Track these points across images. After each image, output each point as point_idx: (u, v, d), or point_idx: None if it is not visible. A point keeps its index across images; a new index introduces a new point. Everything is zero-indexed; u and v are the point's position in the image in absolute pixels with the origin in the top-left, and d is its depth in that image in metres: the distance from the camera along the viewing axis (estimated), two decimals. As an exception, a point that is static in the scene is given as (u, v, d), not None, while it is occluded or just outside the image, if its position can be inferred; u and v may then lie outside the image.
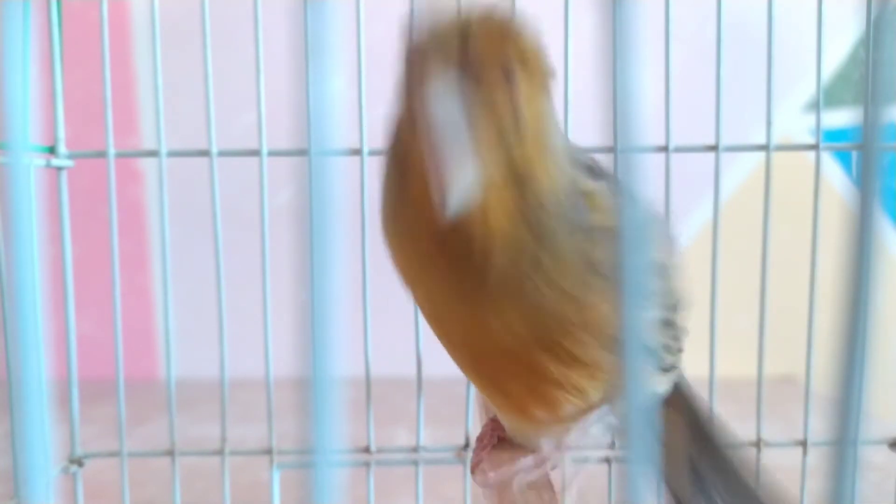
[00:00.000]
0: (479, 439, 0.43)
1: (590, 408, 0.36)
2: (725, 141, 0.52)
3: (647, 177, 0.15)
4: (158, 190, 0.52)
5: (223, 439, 0.53)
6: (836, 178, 1.12)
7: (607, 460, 0.53)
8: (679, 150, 0.52)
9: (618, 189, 0.15)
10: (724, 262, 0.53)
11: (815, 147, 0.53)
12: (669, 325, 0.38)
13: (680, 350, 0.40)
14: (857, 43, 1.12)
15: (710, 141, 0.53)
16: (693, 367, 0.45)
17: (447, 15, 0.28)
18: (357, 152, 0.51)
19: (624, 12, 0.14)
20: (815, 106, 0.53)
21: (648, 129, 0.14)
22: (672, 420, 0.43)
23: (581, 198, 0.32)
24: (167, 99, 0.52)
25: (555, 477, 0.40)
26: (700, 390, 0.53)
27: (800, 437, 0.54)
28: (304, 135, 0.14)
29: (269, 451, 0.53)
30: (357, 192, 0.49)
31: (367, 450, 0.53)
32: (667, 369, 0.39)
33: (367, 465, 0.53)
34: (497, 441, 0.42)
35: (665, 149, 0.52)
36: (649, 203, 0.37)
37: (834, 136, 0.53)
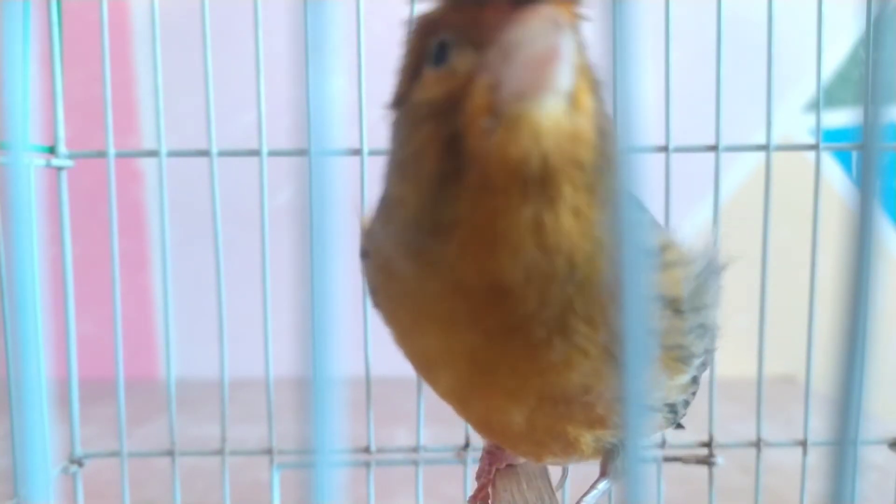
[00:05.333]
0: (478, 476, 0.42)
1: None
2: (725, 141, 0.52)
3: (647, 177, 0.15)
4: (158, 190, 0.52)
5: (223, 439, 0.53)
6: (836, 178, 1.12)
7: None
8: (679, 150, 0.52)
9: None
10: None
11: (815, 147, 0.53)
12: (695, 381, 0.36)
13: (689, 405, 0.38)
14: (857, 43, 1.12)
15: (710, 141, 0.53)
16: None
17: None
18: (357, 152, 0.51)
19: (624, 12, 0.14)
20: (815, 106, 0.53)
21: (648, 129, 0.14)
22: None
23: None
24: (167, 99, 0.52)
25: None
26: (700, 390, 0.53)
27: (800, 437, 0.54)
28: (304, 135, 0.14)
29: (269, 451, 0.53)
30: (357, 192, 0.49)
31: (367, 450, 0.53)
32: (676, 422, 0.38)
33: (367, 465, 0.53)
34: (494, 475, 0.42)
35: (665, 149, 0.52)
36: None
37: (834, 136, 0.53)
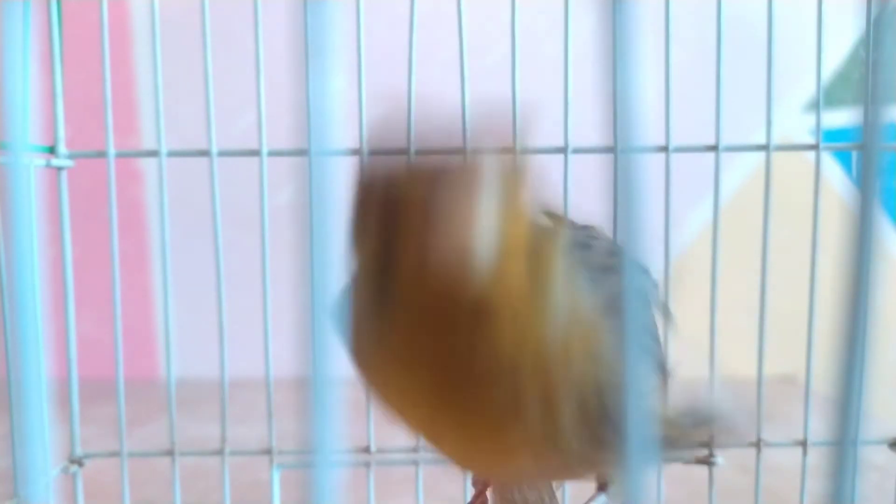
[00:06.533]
0: (474, 482, 0.42)
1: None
2: (725, 141, 0.52)
3: (647, 177, 0.15)
4: (158, 190, 0.52)
5: (223, 439, 0.53)
6: (836, 178, 1.12)
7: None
8: (679, 150, 0.52)
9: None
10: (724, 262, 0.53)
11: (815, 147, 0.53)
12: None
13: None
14: (857, 43, 1.12)
15: (710, 141, 0.53)
16: (693, 367, 0.45)
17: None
18: (357, 152, 0.51)
19: (624, 12, 0.14)
20: (815, 106, 0.53)
21: (648, 129, 0.14)
22: None
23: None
24: (167, 99, 0.52)
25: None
26: (700, 390, 0.53)
27: (800, 437, 0.54)
28: (304, 135, 0.14)
29: (269, 451, 0.53)
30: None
31: (367, 450, 0.53)
32: None
33: (367, 465, 0.53)
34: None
35: (665, 149, 0.52)
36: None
37: (834, 136, 0.53)
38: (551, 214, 0.33)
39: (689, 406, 0.34)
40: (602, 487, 0.36)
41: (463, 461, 0.32)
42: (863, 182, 0.14)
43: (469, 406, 0.29)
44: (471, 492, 0.43)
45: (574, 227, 0.36)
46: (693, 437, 0.34)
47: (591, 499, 0.37)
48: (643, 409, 0.14)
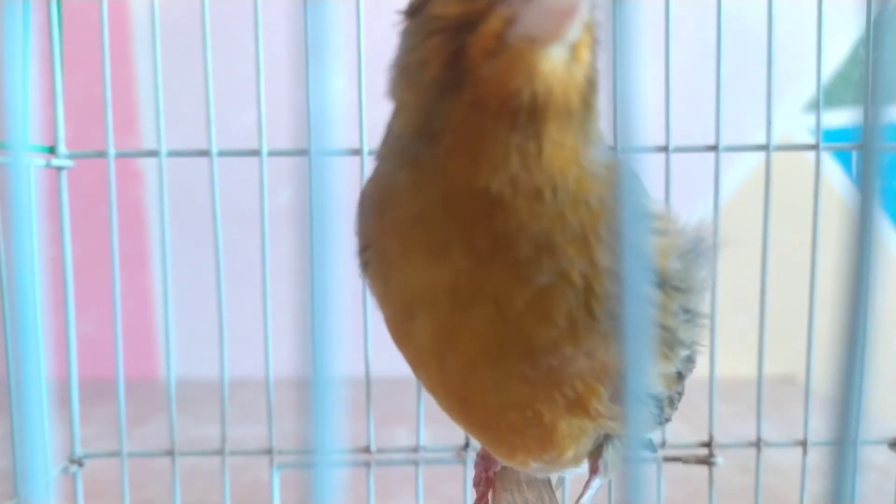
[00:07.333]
0: (476, 484, 0.42)
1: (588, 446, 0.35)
2: (725, 141, 0.52)
3: (647, 177, 0.15)
4: (158, 190, 0.52)
5: (223, 439, 0.53)
6: (836, 178, 1.12)
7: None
8: (679, 150, 0.52)
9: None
10: (723, 262, 0.53)
11: (815, 147, 0.53)
12: (681, 378, 0.36)
13: (675, 408, 0.38)
14: (857, 43, 1.12)
15: (710, 141, 0.53)
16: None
17: None
18: (357, 152, 0.51)
19: (624, 12, 0.14)
20: (815, 106, 0.53)
21: (648, 129, 0.14)
22: None
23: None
24: (167, 99, 0.52)
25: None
26: (700, 390, 0.53)
27: (800, 437, 0.54)
28: (304, 135, 0.14)
29: (269, 451, 0.53)
30: (357, 192, 0.49)
31: (367, 450, 0.53)
32: (662, 423, 0.38)
33: (367, 465, 0.53)
34: (494, 477, 0.42)
35: (665, 149, 0.52)
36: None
37: (834, 136, 0.53)
38: None
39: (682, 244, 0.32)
40: (595, 471, 0.36)
41: (489, 340, 0.29)
42: (863, 182, 0.14)
43: (512, 245, 0.27)
44: (472, 493, 0.43)
45: None
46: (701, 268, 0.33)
47: (587, 485, 0.37)
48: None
